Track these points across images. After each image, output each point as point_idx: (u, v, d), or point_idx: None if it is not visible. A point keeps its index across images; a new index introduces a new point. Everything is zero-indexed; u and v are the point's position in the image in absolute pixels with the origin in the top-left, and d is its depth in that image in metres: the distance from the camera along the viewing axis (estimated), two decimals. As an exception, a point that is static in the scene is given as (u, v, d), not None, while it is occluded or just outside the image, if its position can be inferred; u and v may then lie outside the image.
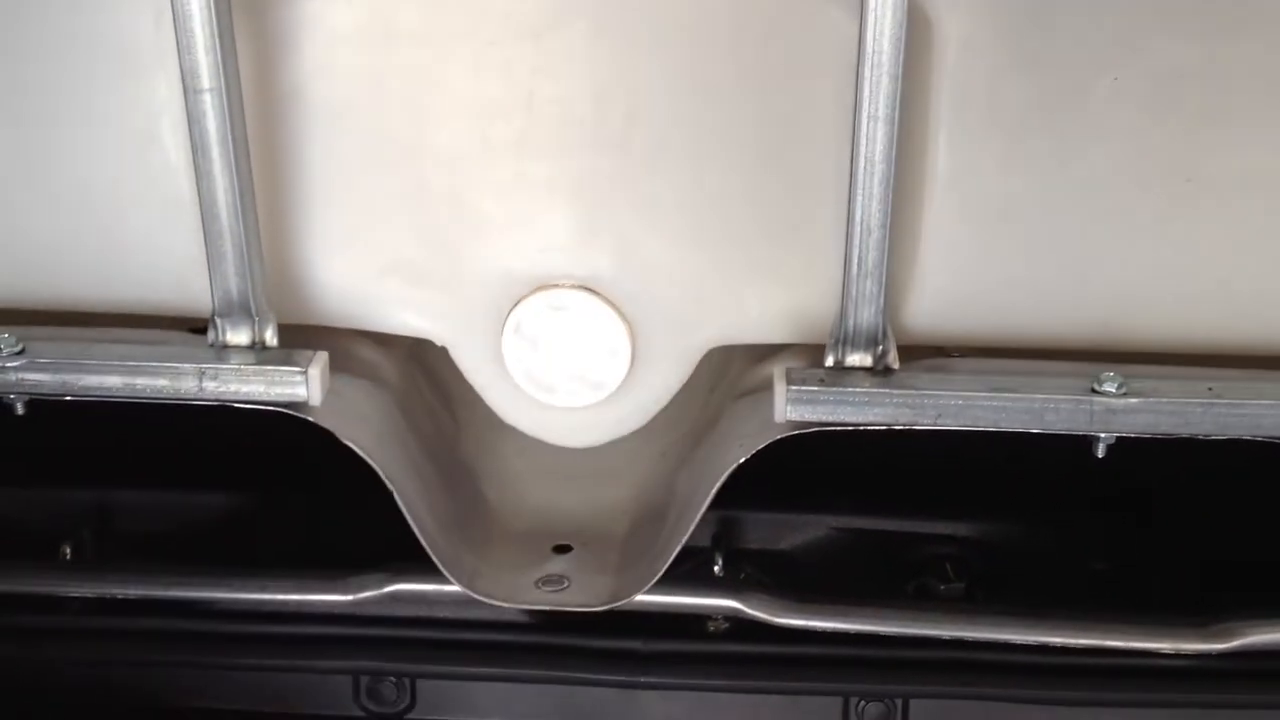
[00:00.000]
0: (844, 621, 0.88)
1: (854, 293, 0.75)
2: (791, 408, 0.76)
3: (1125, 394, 0.73)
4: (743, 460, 0.77)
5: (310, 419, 0.78)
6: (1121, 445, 0.76)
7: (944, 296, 0.78)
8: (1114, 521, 0.90)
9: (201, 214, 0.77)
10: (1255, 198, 0.75)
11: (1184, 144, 0.74)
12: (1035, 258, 0.77)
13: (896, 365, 0.77)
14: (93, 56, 0.77)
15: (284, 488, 0.94)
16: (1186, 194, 0.74)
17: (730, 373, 0.84)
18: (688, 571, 0.86)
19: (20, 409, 0.78)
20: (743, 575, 0.89)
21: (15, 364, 0.77)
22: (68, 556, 0.92)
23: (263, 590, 0.89)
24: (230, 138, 0.75)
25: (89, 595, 0.90)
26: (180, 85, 0.74)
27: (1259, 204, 0.75)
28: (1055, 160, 0.74)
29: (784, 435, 0.75)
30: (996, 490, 0.90)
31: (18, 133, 0.78)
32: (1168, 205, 0.75)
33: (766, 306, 0.81)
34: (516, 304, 0.82)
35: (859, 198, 0.73)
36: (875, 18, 0.69)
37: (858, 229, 0.73)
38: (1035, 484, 0.87)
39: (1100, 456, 0.75)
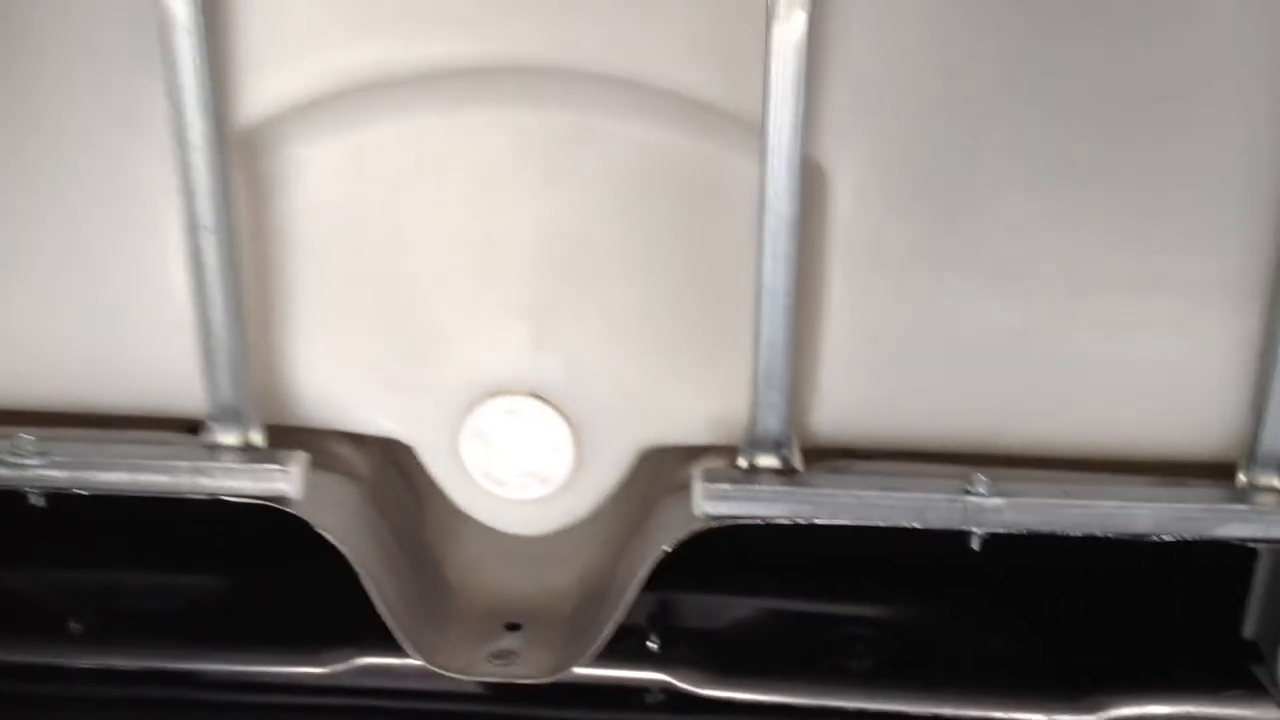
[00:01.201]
0: (766, 694, 0.98)
1: (761, 403, 0.86)
2: (708, 503, 0.87)
3: (994, 495, 0.85)
4: (667, 550, 0.88)
5: (291, 511, 0.90)
6: (1005, 538, 0.88)
7: (843, 406, 0.89)
8: (1001, 605, 1.00)
9: (199, 331, 0.89)
10: (1119, 314, 0.86)
11: (1051, 270, 0.86)
12: (921, 373, 0.88)
13: (800, 467, 0.88)
14: (108, 193, 0.89)
15: (267, 571, 1.05)
16: (1053, 315, 0.86)
17: (662, 471, 0.95)
18: (625, 648, 0.97)
19: (39, 502, 0.90)
20: (675, 651, 0.99)
21: (36, 462, 0.88)
22: (75, 631, 1.03)
23: (246, 663, 0.99)
24: (226, 267, 0.87)
25: (93, 666, 1.00)
26: (184, 221, 0.87)
27: (1125, 320, 0.87)
28: (937, 288, 0.86)
29: (701, 528, 0.86)
30: (901, 576, 1.01)
31: (41, 258, 0.90)
32: (1036, 323, 0.86)
33: (693, 413, 0.92)
34: (473, 408, 0.94)
35: (764, 321, 0.84)
36: (773, 170, 0.81)
37: (764, 349, 0.85)
38: (933, 571, 0.97)
39: (975, 549, 0.86)
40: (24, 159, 0.86)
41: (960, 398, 0.89)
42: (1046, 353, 0.86)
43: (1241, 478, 0.85)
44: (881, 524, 0.85)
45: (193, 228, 0.85)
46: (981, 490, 0.85)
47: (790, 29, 0.76)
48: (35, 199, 0.87)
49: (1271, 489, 0.84)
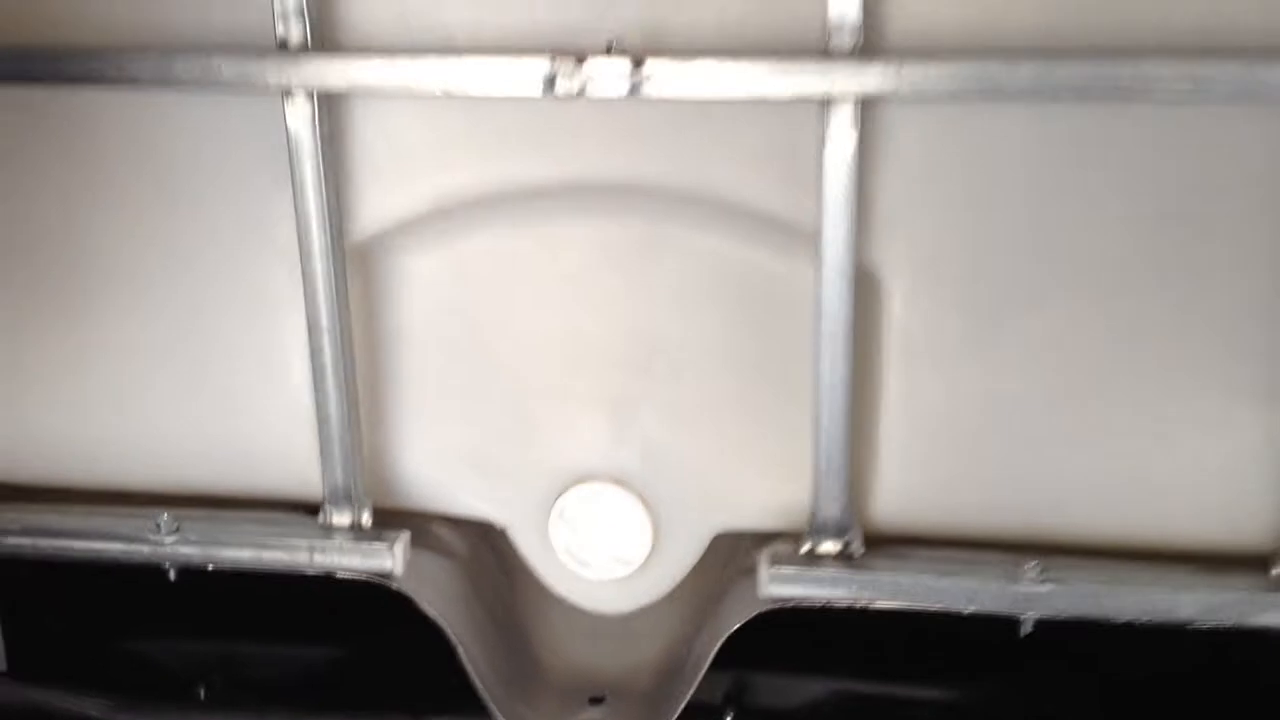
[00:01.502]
0: (835, 770, 1.03)
1: (822, 492, 0.93)
2: (772, 586, 0.94)
3: (1043, 581, 0.90)
4: (735, 628, 0.94)
5: (394, 587, 0.99)
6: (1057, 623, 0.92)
7: (901, 495, 0.96)
8: (1063, 684, 1.04)
9: (317, 422, 0.99)
10: (1159, 413, 0.91)
11: (1094, 370, 0.91)
12: (973, 464, 0.94)
13: (860, 552, 0.94)
14: (239, 298, 1.00)
15: (373, 641, 1.14)
16: (1097, 412, 0.92)
17: (734, 555, 1.02)
18: (700, 722, 1.03)
19: (173, 575, 1.00)
20: (748, 729, 1.05)
21: (171, 539, 0.99)
22: (202, 697, 1.13)
23: (352, 727, 1.09)
24: (341, 365, 0.97)
25: (216, 729, 1.10)
26: (304, 322, 0.97)
27: (1164, 418, 0.91)
28: (985, 386, 0.92)
29: (766, 609, 0.93)
30: (968, 658, 1.05)
31: (181, 357, 1.02)
32: (1081, 420, 0.92)
33: (762, 500, 0.99)
34: (561, 494, 1.02)
35: (823, 416, 0.91)
36: (828, 277, 0.88)
37: (823, 441, 0.92)
38: (996, 652, 1.01)
39: (1026, 633, 0.91)
40: (169, 267, 0.98)
41: (1011, 488, 0.94)
42: (1090, 447, 0.91)
43: (1277, 569, 0.88)
44: (936, 608, 0.91)
45: (313, 329, 0.95)
46: (1031, 576, 0.90)
47: (841, 148, 0.84)
48: (177, 303, 0.99)
49: (1301, 580, 0.88)
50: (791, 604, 0.93)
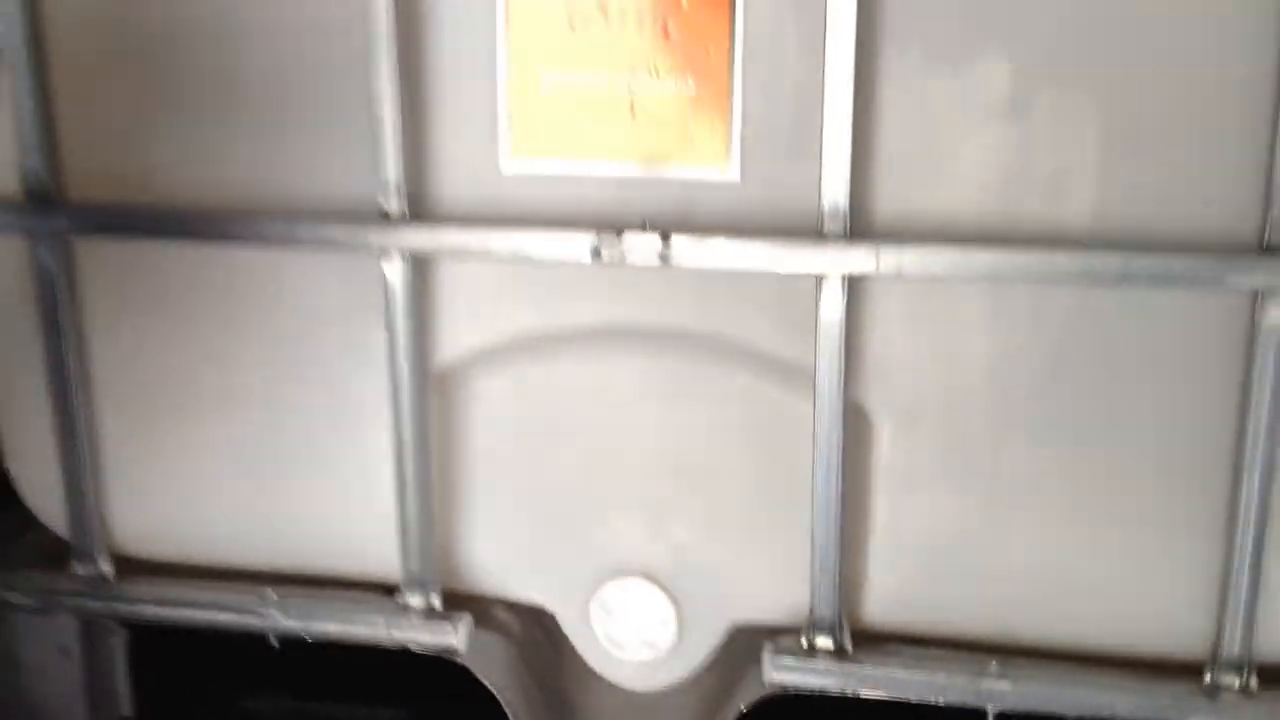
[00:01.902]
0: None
1: (817, 594, 1.09)
2: (775, 674, 1.10)
3: (1002, 679, 1.05)
4: (743, 709, 1.11)
5: (459, 660, 1.17)
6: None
7: (887, 598, 1.11)
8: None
9: (398, 517, 1.18)
10: (1107, 539, 1.06)
11: (1051, 500, 1.07)
12: (949, 574, 1.10)
13: (850, 647, 1.10)
14: (337, 410, 1.20)
15: (441, 709, 1.31)
16: (1055, 535, 1.07)
17: (748, 645, 1.18)
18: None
19: (275, 643, 1.20)
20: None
21: (276, 613, 1.18)
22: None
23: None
24: (420, 470, 1.16)
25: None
26: (391, 434, 1.16)
27: (1111, 544, 1.06)
28: (959, 507, 1.08)
29: (769, 694, 1.09)
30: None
31: (284, 458, 1.22)
32: (1040, 542, 1.07)
33: (773, 598, 1.15)
34: (601, 586, 1.20)
35: (817, 527, 1.08)
36: (821, 411, 1.05)
37: (818, 550, 1.08)
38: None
39: (992, 721, 1.06)
40: (284, 386, 1.18)
41: (980, 597, 1.10)
42: (1047, 564, 1.07)
43: (1207, 677, 1.03)
44: (914, 699, 1.06)
45: (397, 440, 1.14)
46: (993, 674, 1.05)
47: (832, 312, 1.02)
48: (287, 414, 1.19)
49: (1230, 688, 1.01)
50: (790, 691, 1.09)
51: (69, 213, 1.12)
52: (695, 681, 1.21)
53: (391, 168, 1.05)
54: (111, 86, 1.10)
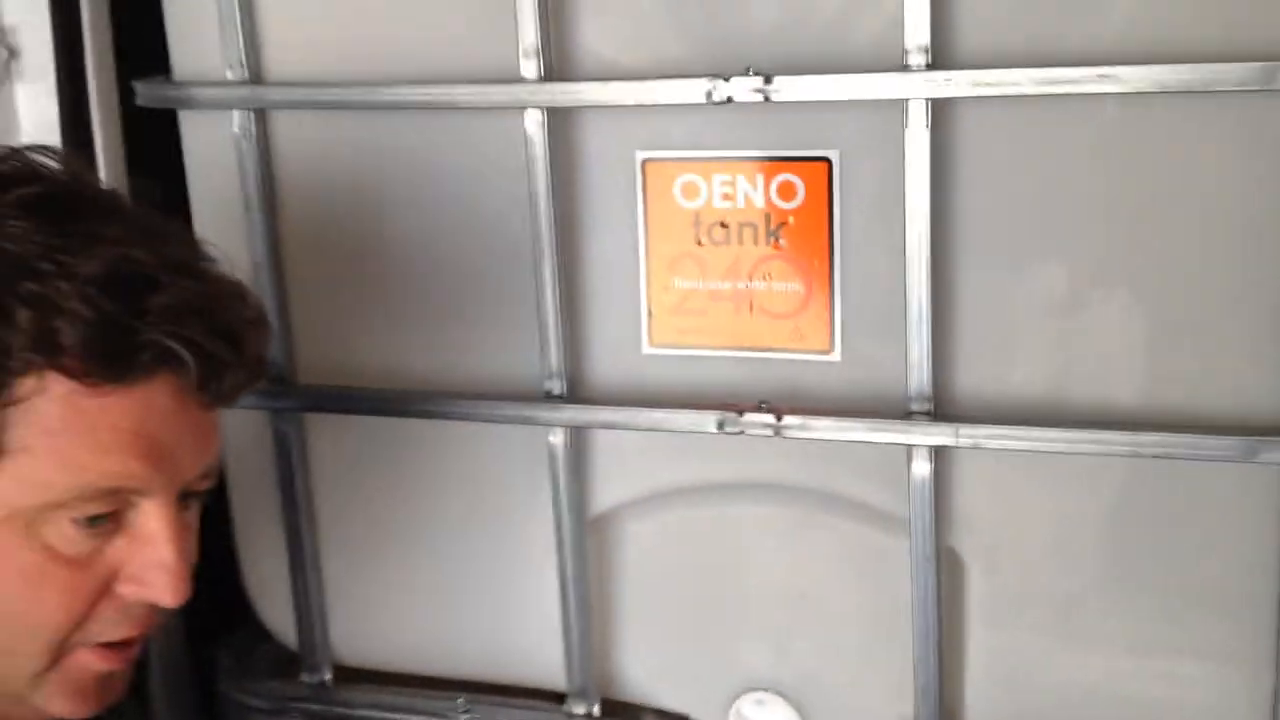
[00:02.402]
0: None
1: (920, 711, 1.27)
2: (881, 781, 1.28)
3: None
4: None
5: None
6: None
7: (980, 715, 1.28)
8: None
9: (564, 640, 1.40)
10: (1169, 670, 1.21)
11: (1118, 640, 1.22)
12: (1034, 696, 1.26)
13: (950, 763, 1.28)
14: (512, 554, 1.43)
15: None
16: (1117, 668, 1.23)
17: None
18: None
19: (464, 744, 1.43)
20: None
21: (463, 718, 1.42)
22: None
23: None
24: (582, 601, 1.38)
25: None
26: (557, 572, 1.39)
27: (1171, 673, 1.21)
28: (1043, 638, 1.25)
29: (877, 796, 1.27)
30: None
31: (470, 589, 1.45)
32: (1106, 675, 1.23)
33: (883, 714, 1.34)
34: (736, 698, 1.40)
35: (918, 661, 1.25)
36: (916, 555, 1.23)
37: (920, 673, 1.25)
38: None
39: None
40: (467, 526, 1.42)
41: (1059, 717, 1.26)
42: (1115, 689, 1.22)
43: (1261, 795, 1.17)
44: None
45: (562, 574, 1.36)
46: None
47: (921, 476, 1.20)
48: (471, 549, 1.43)
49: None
50: (896, 794, 1.27)
51: (300, 392, 1.38)
52: (821, 784, 1.40)
53: (554, 357, 1.28)
54: (332, 290, 1.37)
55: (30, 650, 0.85)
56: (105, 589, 0.86)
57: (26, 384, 0.81)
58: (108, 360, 0.82)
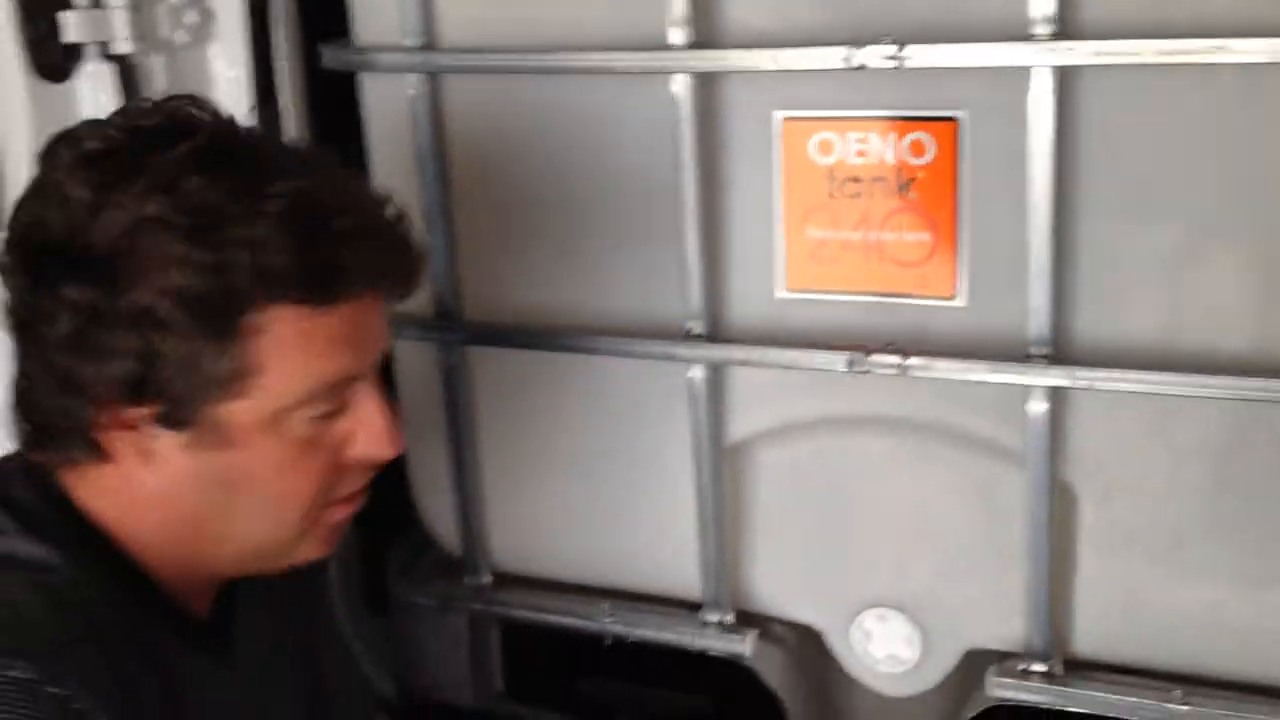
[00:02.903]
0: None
1: (1034, 628, 1.37)
2: (995, 690, 1.39)
3: (1183, 704, 1.30)
4: (968, 717, 1.41)
5: (747, 665, 1.52)
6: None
7: (1090, 633, 1.38)
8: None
9: (700, 555, 1.53)
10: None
11: (1232, 552, 1.31)
12: (1143, 616, 1.36)
13: (1060, 672, 1.38)
14: (653, 473, 1.56)
15: (733, 705, 1.67)
16: (1231, 582, 1.31)
17: (978, 666, 1.47)
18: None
19: (609, 642, 1.58)
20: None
21: (610, 620, 1.56)
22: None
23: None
24: (718, 520, 1.51)
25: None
26: (695, 492, 1.52)
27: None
28: (1152, 564, 1.34)
29: (988, 705, 1.38)
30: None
31: (615, 508, 1.59)
32: (1221, 591, 1.32)
33: (1000, 629, 1.44)
34: (860, 612, 1.52)
35: (1032, 576, 1.36)
36: (1031, 491, 1.33)
37: (1032, 592, 1.36)
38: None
39: (1170, 739, 1.31)
40: (614, 451, 1.55)
41: (1167, 636, 1.36)
42: (1218, 611, 1.32)
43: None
44: (1106, 715, 1.33)
45: (700, 496, 1.49)
46: (1177, 699, 1.31)
47: (1037, 409, 1.29)
48: (616, 472, 1.56)
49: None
50: (1007, 703, 1.38)
51: (466, 328, 1.53)
52: (935, 691, 1.51)
53: (695, 299, 1.40)
54: (495, 237, 1.51)
55: (292, 520, 1.02)
56: (338, 459, 1.02)
57: (257, 317, 0.95)
58: (323, 287, 0.97)
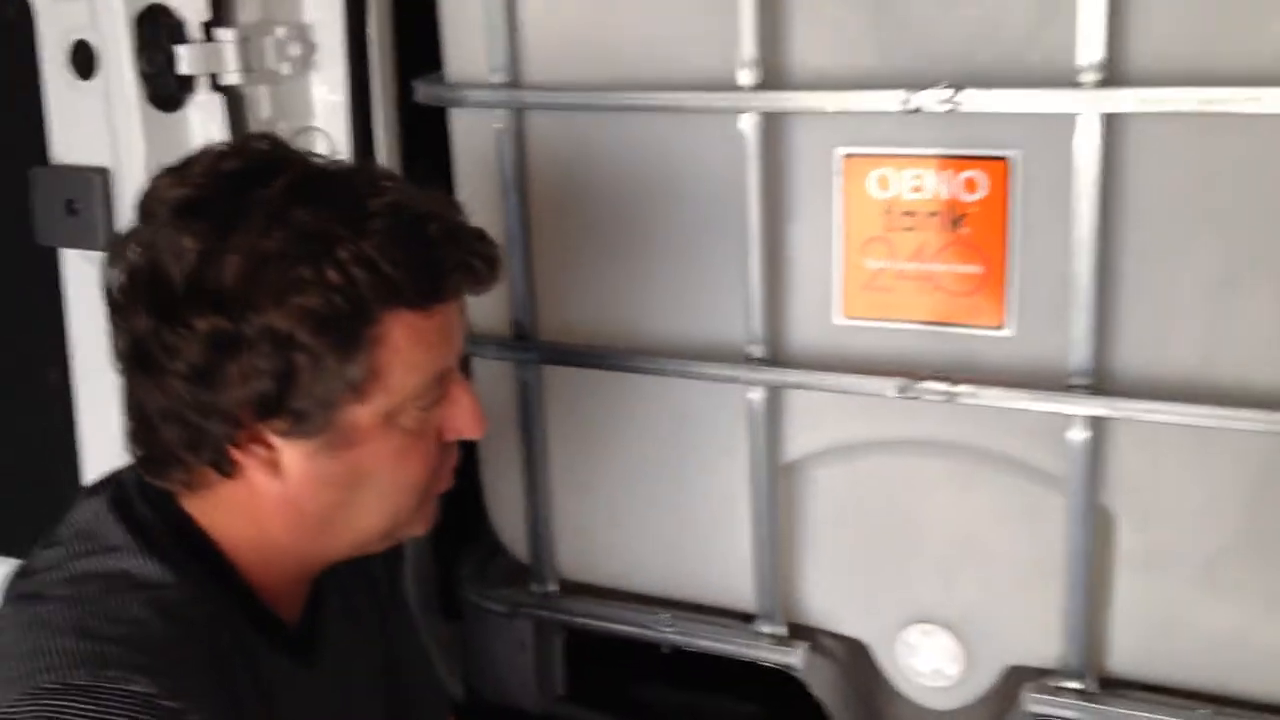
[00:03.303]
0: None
1: (1069, 648, 1.43)
2: (1030, 706, 1.45)
3: (1211, 723, 1.36)
4: (1007, 729, 1.47)
5: (797, 676, 1.59)
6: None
7: (1126, 656, 1.44)
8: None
9: (755, 568, 1.61)
10: None
11: (1263, 579, 1.37)
12: (1175, 638, 1.42)
13: (1094, 690, 1.44)
14: (712, 490, 1.65)
15: (783, 712, 1.74)
16: (1262, 607, 1.37)
17: (1019, 680, 1.53)
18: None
19: (666, 650, 1.66)
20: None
21: (669, 629, 1.64)
22: None
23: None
24: (773, 536, 1.59)
25: None
26: (752, 508, 1.60)
27: None
28: (1186, 587, 1.40)
29: None
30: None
31: (676, 523, 1.68)
32: (1249, 623, 1.38)
33: (1039, 648, 1.51)
34: (906, 627, 1.59)
35: (1070, 600, 1.42)
36: (1073, 511, 1.40)
37: (1069, 616, 1.42)
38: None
39: (1202, 756, 1.37)
40: (676, 468, 1.64)
41: (1198, 657, 1.42)
42: (1248, 634, 1.37)
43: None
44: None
45: (756, 512, 1.57)
46: (1205, 718, 1.36)
47: (1078, 437, 1.36)
48: (678, 488, 1.65)
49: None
50: (1041, 718, 1.44)
51: (540, 348, 1.63)
52: (977, 706, 1.57)
53: (757, 324, 1.49)
54: (571, 263, 1.61)
55: (407, 503, 1.13)
56: (440, 442, 1.13)
57: (377, 327, 1.06)
58: (431, 290, 1.08)
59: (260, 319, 1.01)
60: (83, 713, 0.93)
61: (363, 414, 1.06)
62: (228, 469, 1.08)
